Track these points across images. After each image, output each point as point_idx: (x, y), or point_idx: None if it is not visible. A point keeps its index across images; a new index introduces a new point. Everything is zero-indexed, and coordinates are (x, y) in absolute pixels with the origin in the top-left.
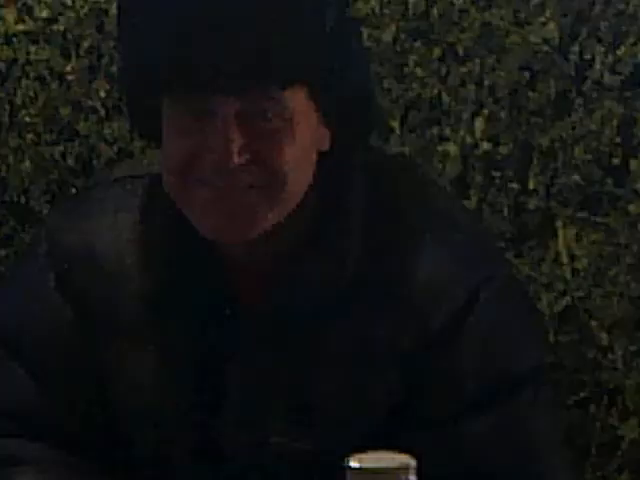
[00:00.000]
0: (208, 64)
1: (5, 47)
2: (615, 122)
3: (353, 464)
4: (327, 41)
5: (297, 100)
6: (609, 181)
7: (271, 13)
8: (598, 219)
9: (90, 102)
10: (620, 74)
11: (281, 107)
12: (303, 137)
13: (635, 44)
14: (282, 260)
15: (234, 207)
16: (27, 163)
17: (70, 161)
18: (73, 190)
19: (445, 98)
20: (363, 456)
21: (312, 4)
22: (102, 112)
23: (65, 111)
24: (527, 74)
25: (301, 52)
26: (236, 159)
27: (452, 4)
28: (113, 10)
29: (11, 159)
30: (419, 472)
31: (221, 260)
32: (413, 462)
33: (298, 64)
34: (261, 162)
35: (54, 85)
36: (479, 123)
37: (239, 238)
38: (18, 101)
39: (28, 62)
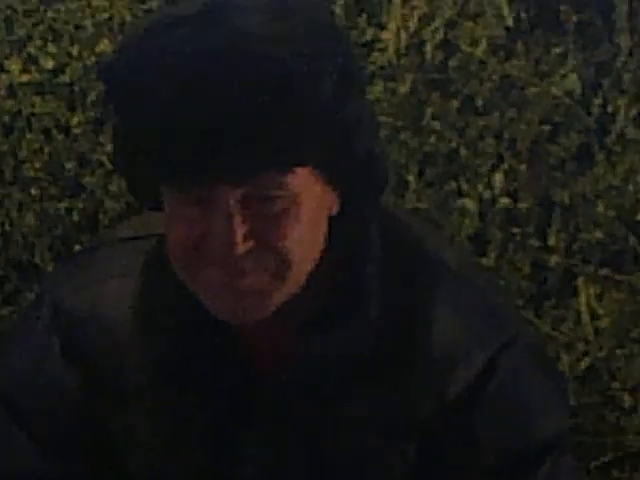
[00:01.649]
0: (205, 157)
1: (9, 99)
2: (638, 177)
3: None
4: (327, 114)
5: (300, 178)
6: (632, 238)
7: (267, 100)
8: (621, 277)
9: (96, 156)
10: None
11: (283, 190)
12: (309, 213)
13: None
14: (295, 332)
15: (241, 290)
16: (31, 218)
17: (75, 217)
18: (78, 247)
19: (463, 152)
20: None
21: (307, 82)
22: (108, 166)
23: (70, 165)
24: (548, 127)
25: (300, 134)
26: (241, 247)
27: (471, 55)
28: None
29: (14, 214)
30: None
31: (231, 330)
32: None
33: (298, 147)
34: (266, 247)
35: (59, 138)
36: (498, 178)
37: (248, 319)
38: (22, 154)
39: (33, 114)
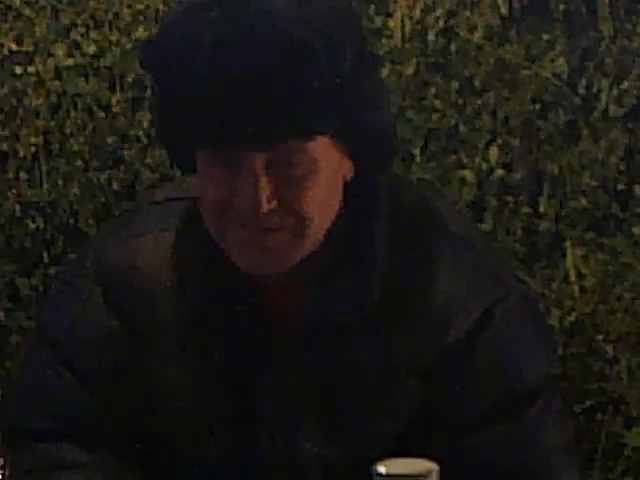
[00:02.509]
0: (235, 125)
1: (55, 80)
2: (620, 150)
3: (380, 469)
4: (345, 89)
5: (320, 145)
6: (614, 205)
7: (292, 75)
8: (604, 240)
9: (134, 131)
10: (624, 106)
11: (304, 155)
12: (327, 177)
13: (638, 78)
14: (312, 283)
15: (266, 246)
16: (76, 188)
17: (115, 186)
18: (118, 212)
19: (462, 128)
20: (389, 462)
21: (328, 59)
22: (145, 141)
23: (111, 140)
24: (538, 106)
25: (321, 105)
26: (265, 206)
27: (469, 41)
28: None
29: (61, 184)
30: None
31: (254, 281)
32: (437, 467)
33: (318, 117)
34: (288, 207)
35: (101, 116)
36: (493, 151)
37: (271, 272)
38: (67, 130)
39: (77, 94)
